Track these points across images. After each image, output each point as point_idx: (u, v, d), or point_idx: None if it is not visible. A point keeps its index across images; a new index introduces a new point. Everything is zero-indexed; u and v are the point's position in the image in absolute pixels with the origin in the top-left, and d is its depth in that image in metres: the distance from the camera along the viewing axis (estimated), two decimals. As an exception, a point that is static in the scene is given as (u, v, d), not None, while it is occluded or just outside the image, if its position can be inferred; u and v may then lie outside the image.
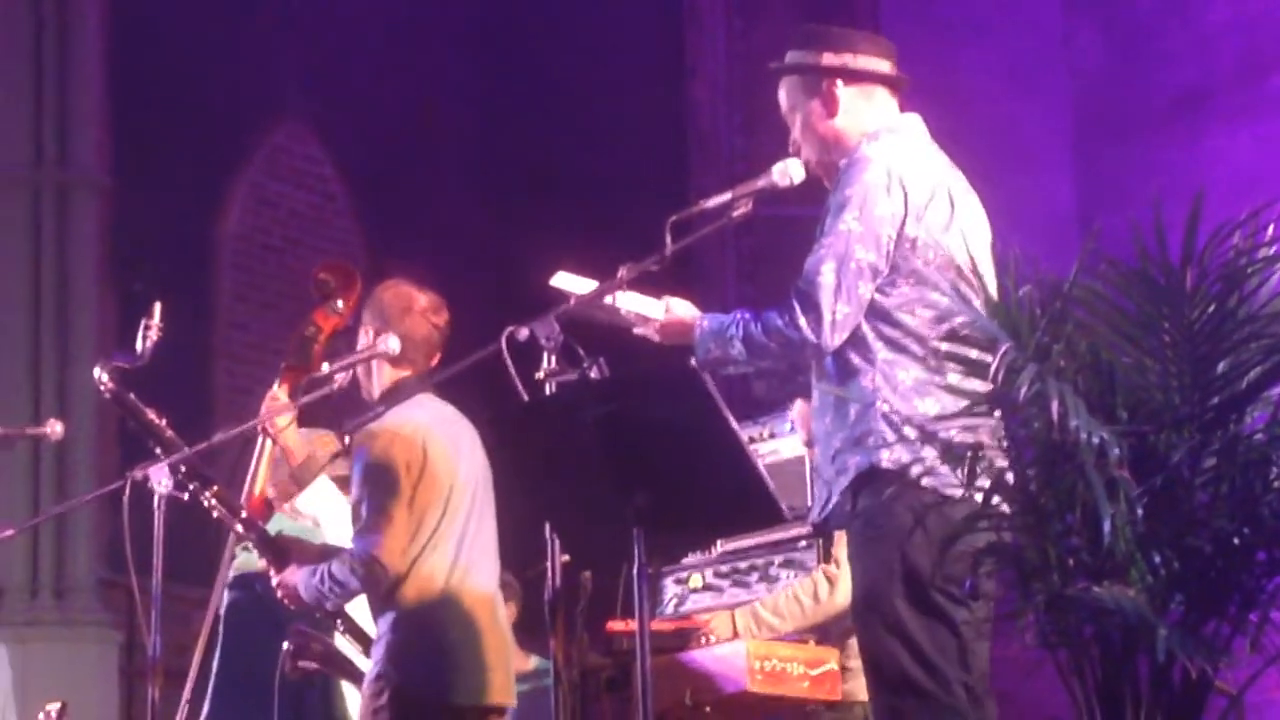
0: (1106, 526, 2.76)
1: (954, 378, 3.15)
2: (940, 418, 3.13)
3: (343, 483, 4.57)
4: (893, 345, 3.29)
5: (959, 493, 3.08)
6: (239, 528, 4.35)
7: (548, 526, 3.45)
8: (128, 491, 4.11)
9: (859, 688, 3.81)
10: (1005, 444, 3.01)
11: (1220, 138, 8.11)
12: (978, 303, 3.09)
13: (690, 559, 4.63)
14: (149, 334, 4.24)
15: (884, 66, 3.51)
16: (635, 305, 3.42)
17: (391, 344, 4.19)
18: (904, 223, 3.31)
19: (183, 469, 4.16)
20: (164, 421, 4.31)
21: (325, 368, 4.35)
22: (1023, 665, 2.97)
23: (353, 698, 4.70)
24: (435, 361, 4.29)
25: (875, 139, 3.42)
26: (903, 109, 3.52)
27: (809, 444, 4.50)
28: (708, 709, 4.28)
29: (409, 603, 4.09)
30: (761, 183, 3.44)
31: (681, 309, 3.45)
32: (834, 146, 3.46)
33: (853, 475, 3.29)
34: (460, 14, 10.28)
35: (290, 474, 4.51)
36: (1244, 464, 2.87)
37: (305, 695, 4.81)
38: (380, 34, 9.87)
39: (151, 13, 8.59)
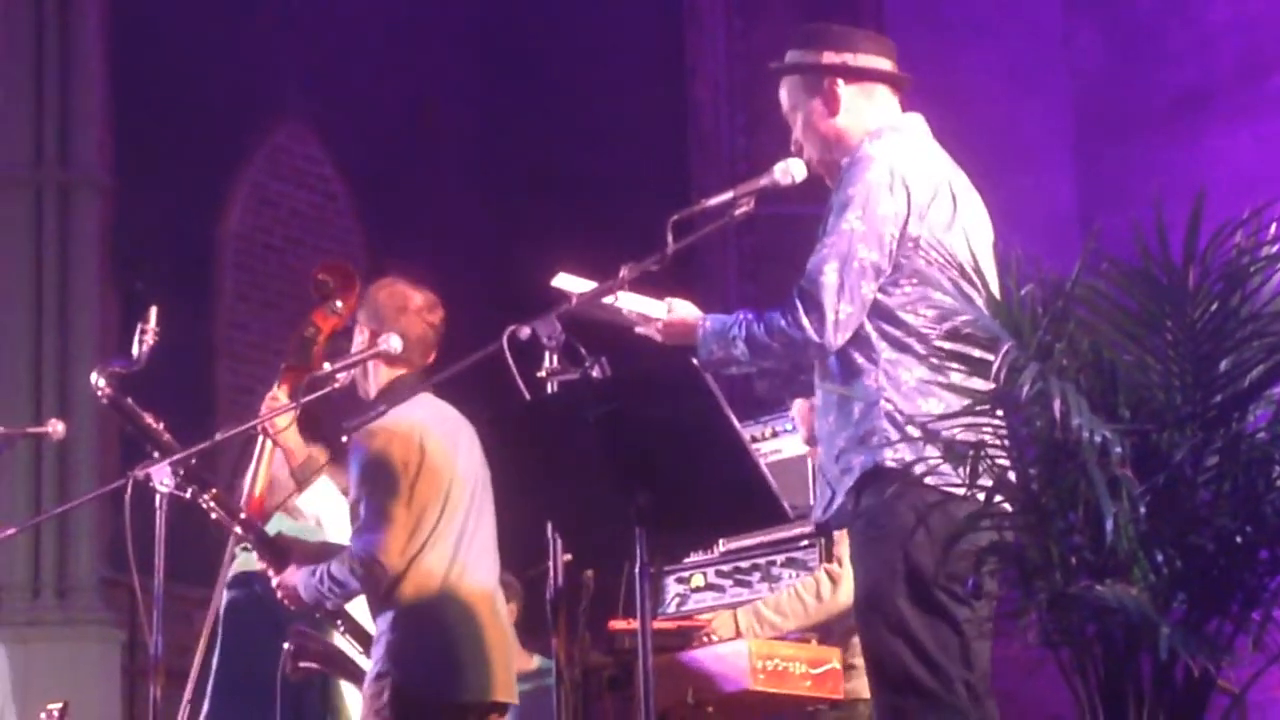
0: (1109, 525, 2.76)
1: (957, 377, 3.15)
2: (943, 416, 3.14)
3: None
4: (896, 344, 3.30)
5: (962, 491, 3.08)
6: (238, 530, 4.35)
7: (549, 526, 3.45)
8: (129, 491, 4.11)
9: (862, 685, 3.81)
10: (1007, 443, 3.01)
11: (1221, 137, 8.11)
12: (980, 302, 3.09)
13: (692, 558, 4.64)
14: (145, 338, 4.24)
15: (885, 65, 3.51)
16: (637, 305, 3.43)
17: (394, 343, 4.20)
18: (907, 222, 3.31)
19: (182, 471, 4.16)
20: (162, 426, 4.31)
21: (326, 367, 4.36)
22: (1025, 664, 2.97)
23: (353, 697, 4.71)
24: (431, 360, 4.29)
25: (878, 138, 3.42)
26: (904, 108, 3.52)
27: (809, 442, 4.50)
28: (710, 708, 4.28)
29: (408, 601, 4.10)
30: (763, 181, 3.44)
31: (684, 309, 3.45)
32: (835, 145, 3.47)
33: (857, 474, 3.29)
34: (460, 14, 10.28)
35: (291, 473, 4.52)
36: (1246, 462, 2.87)
37: (305, 695, 4.81)
38: (380, 34, 9.88)
39: (152, 12, 8.59)
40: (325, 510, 5.06)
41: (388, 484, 4.09)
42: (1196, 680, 2.83)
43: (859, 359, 3.31)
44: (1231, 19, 8.33)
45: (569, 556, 3.53)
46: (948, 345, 3.14)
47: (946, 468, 3.13)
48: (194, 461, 4.23)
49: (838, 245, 3.29)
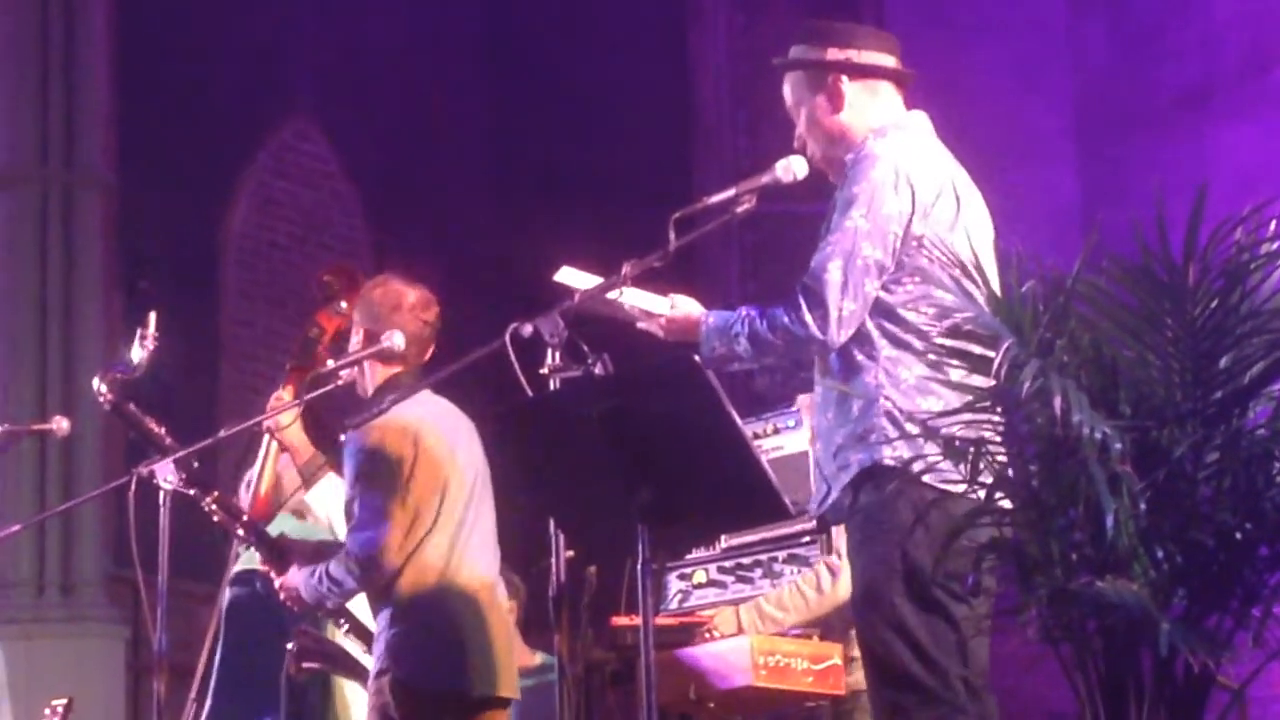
0: (1109, 521, 2.76)
1: (957, 374, 3.16)
2: (943, 413, 3.14)
3: None
4: (896, 342, 3.30)
5: (961, 488, 3.09)
6: (239, 532, 4.36)
7: (552, 522, 3.46)
8: (133, 487, 4.13)
9: (864, 678, 3.82)
10: (1006, 439, 3.01)
11: (1223, 134, 8.11)
12: (981, 299, 3.10)
13: (694, 554, 4.64)
14: (145, 344, 4.24)
15: (889, 61, 3.51)
16: (640, 302, 3.43)
17: (397, 340, 4.21)
18: (911, 220, 3.31)
19: (184, 473, 4.17)
20: (164, 429, 4.32)
21: (330, 364, 4.37)
22: (1025, 660, 2.98)
23: (357, 696, 4.72)
24: (427, 357, 4.30)
25: (883, 135, 3.42)
26: (907, 105, 3.53)
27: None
28: (711, 704, 4.28)
29: (406, 596, 4.10)
30: (765, 179, 3.44)
31: (686, 306, 3.45)
32: (839, 142, 3.47)
33: (855, 472, 3.30)
34: (465, 12, 10.29)
35: (298, 470, 4.54)
36: (1246, 459, 2.88)
37: (306, 693, 4.82)
38: (385, 32, 9.88)
39: (157, 12, 8.60)
40: (336, 510, 5.08)
41: (382, 481, 4.10)
42: (1197, 676, 2.84)
43: (859, 356, 3.32)
44: (1234, 16, 8.33)
45: (571, 553, 3.54)
46: (949, 342, 3.15)
47: (945, 465, 3.13)
48: (196, 464, 4.24)
49: (842, 243, 3.30)
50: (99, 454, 8.00)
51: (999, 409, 2.96)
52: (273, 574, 4.31)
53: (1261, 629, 2.87)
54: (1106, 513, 2.76)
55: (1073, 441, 2.80)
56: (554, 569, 3.48)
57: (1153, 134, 8.22)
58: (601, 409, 3.16)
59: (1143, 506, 2.82)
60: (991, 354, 2.93)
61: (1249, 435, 2.89)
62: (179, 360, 4.59)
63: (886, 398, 3.27)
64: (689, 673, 4.25)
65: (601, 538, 3.41)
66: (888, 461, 3.25)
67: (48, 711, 4.87)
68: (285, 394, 4.42)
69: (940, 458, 3.12)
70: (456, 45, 10.30)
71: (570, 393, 3.29)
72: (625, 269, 3.36)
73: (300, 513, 4.88)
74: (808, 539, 4.43)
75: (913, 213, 3.31)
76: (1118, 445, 2.78)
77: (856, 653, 4.12)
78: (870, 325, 3.31)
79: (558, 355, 3.34)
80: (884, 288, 3.31)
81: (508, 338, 3.30)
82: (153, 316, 4.28)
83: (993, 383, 2.92)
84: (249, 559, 4.81)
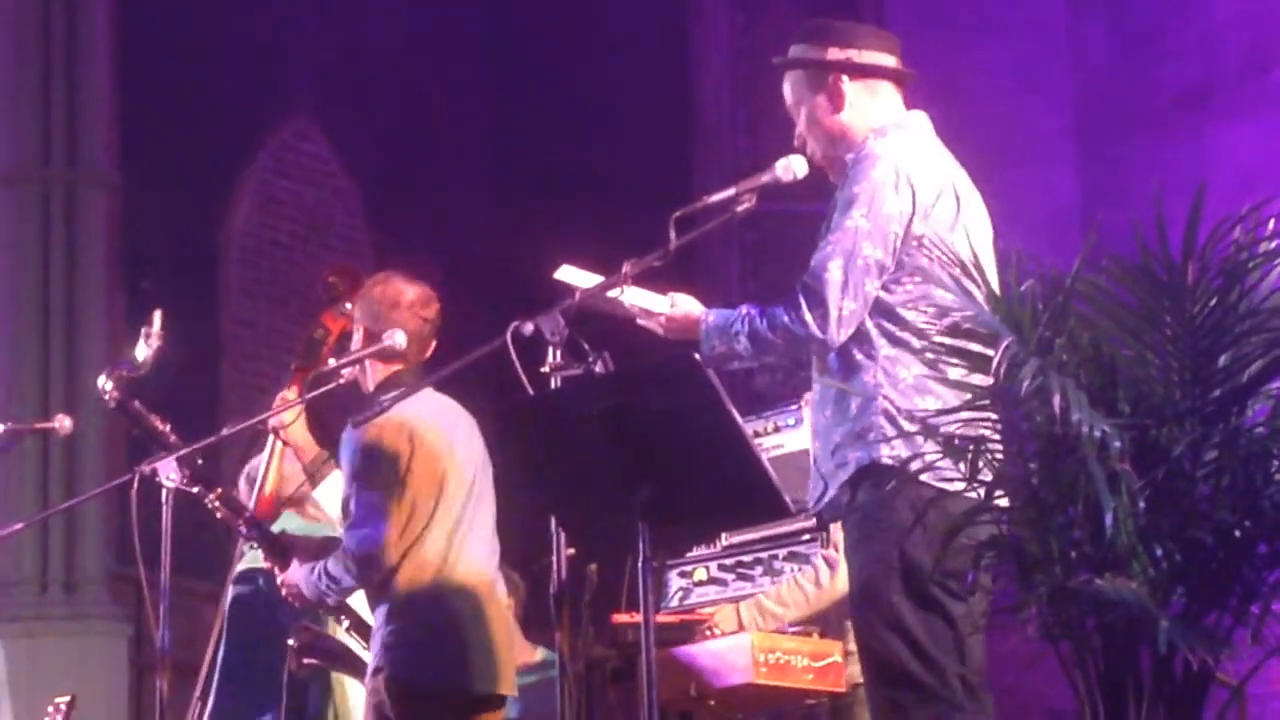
0: (1108, 519, 2.77)
1: (956, 373, 3.17)
2: (943, 411, 3.15)
3: None
4: (895, 341, 3.31)
5: (959, 487, 3.10)
6: (242, 528, 4.38)
7: (553, 520, 3.47)
8: (136, 485, 4.14)
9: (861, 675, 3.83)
10: (1005, 438, 3.02)
11: (1223, 134, 8.11)
12: (980, 298, 3.11)
13: (695, 552, 4.65)
14: (150, 342, 4.26)
15: (889, 61, 3.52)
16: (640, 301, 3.44)
17: (398, 339, 4.22)
18: (911, 220, 3.32)
19: (187, 471, 4.19)
20: (168, 427, 4.33)
21: (331, 363, 4.38)
22: (1025, 658, 2.99)
23: (358, 692, 4.73)
24: (428, 354, 4.31)
25: (883, 135, 3.43)
26: (907, 105, 3.53)
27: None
28: (712, 701, 4.29)
29: (402, 594, 4.11)
30: (765, 178, 3.44)
31: (686, 304, 3.46)
32: (840, 141, 3.48)
33: (852, 470, 3.31)
34: (465, 12, 10.30)
35: (304, 469, 4.56)
36: (1245, 457, 2.88)
37: (308, 690, 4.84)
38: (386, 31, 9.89)
39: (159, 11, 8.60)
40: (343, 507, 5.08)
41: (378, 478, 4.11)
42: (1196, 673, 2.85)
43: (858, 355, 3.32)
44: (1234, 16, 8.33)
45: (572, 550, 3.55)
46: (948, 340, 3.16)
47: (943, 463, 3.15)
48: (199, 461, 4.25)
49: (842, 242, 3.31)
50: (101, 452, 8.01)
51: (998, 407, 2.97)
52: (275, 570, 4.32)
53: (1260, 626, 2.88)
54: (1106, 511, 2.77)
55: (1072, 440, 2.81)
56: (555, 567, 3.49)
57: (1153, 134, 8.22)
58: (602, 407, 3.17)
59: (1142, 504, 2.83)
60: (991, 352, 2.94)
61: (1248, 433, 2.90)
62: (181, 359, 4.59)
63: (885, 396, 3.28)
64: (690, 670, 4.26)
65: (602, 535, 3.42)
66: (885, 460, 3.26)
67: (51, 709, 4.88)
68: (290, 394, 4.44)
69: (939, 456, 3.13)
70: (456, 45, 10.30)
71: (571, 391, 3.30)
72: (626, 268, 3.37)
73: (302, 506, 4.89)
74: (808, 537, 4.44)
75: (913, 212, 3.32)
76: (1117, 443, 2.79)
77: (854, 647, 4.14)
78: (869, 324, 3.32)
79: (558, 353, 3.35)
80: (884, 287, 3.32)
81: (509, 336, 3.31)
82: (158, 315, 4.29)
83: (992, 381, 2.93)
84: (253, 558, 4.83)
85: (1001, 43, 8.85)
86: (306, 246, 9.56)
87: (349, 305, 4.46)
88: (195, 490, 4.25)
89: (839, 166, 3.46)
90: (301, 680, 4.64)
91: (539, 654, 5.81)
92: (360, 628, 4.39)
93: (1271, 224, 2.93)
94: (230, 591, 4.93)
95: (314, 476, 4.55)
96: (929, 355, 3.23)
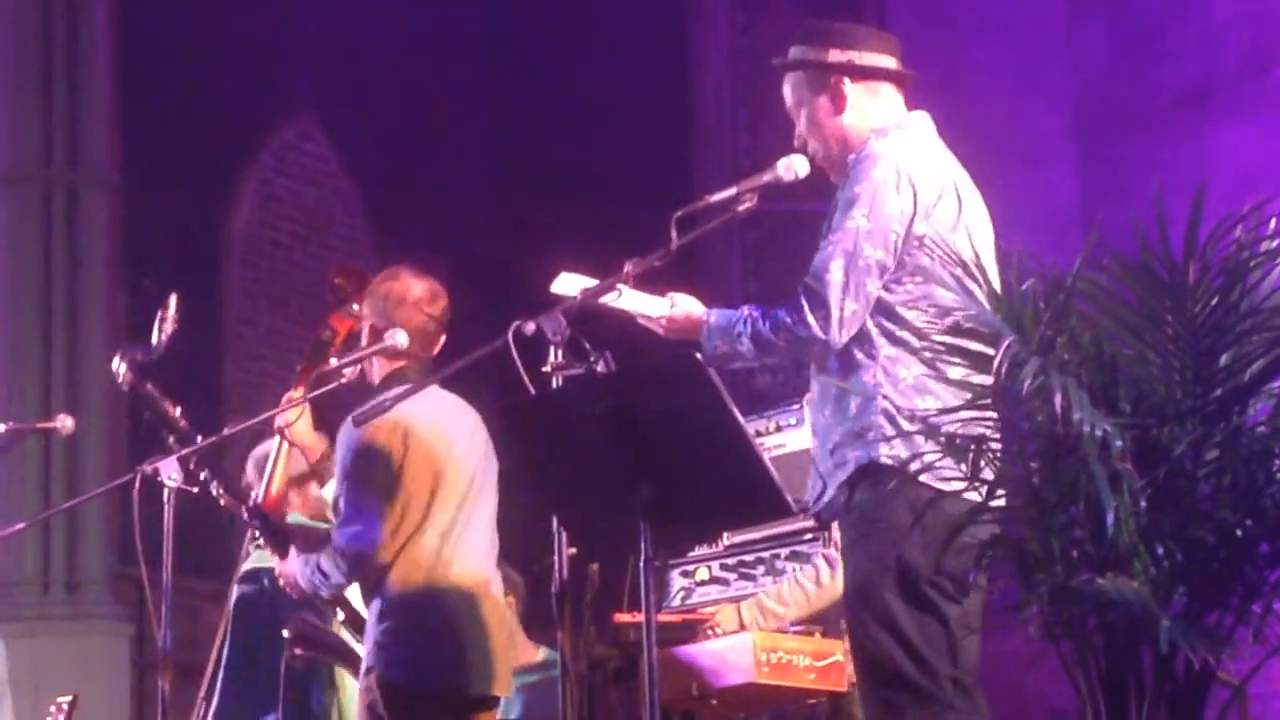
0: (1110, 518, 2.78)
1: (957, 372, 3.17)
2: (945, 411, 3.15)
3: None
4: (895, 341, 3.31)
5: (957, 487, 3.10)
6: (244, 514, 4.38)
7: (554, 520, 3.48)
8: (138, 485, 4.14)
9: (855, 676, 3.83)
10: (1006, 437, 3.02)
11: (1223, 134, 8.12)
12: (981, 297, 3.11)
13: (696, 552, 4.65)
14: (165, 326, 4.28)
15: (890, 63, 3.52)
16: (637, 305, 3.44)
17: (400, 339, 4.21)
18: (912, 221, 3.32)
19: (193, 460, 4.20)
20: (179, 411, 4.35)
21: (334, 363, 4.39)
22: (1026, 657, 2.99)
23: (354, 687, 4.73)
24: (435, 350, 4.31)
25: (884, 136, 3.43)
26: (908, 105, 3.54)
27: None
28: (714, 701, 4.29)
29: (394, 592, 4.10)
30: (766, 178, 3.44)
31: (687, 304, 3.47)
32: (841, 142, 3.48)
33: (851, 469, 3.31)
34: (465, 13, 10.30)
35: (311, 468, 4.56)
36: (1246, 456, 2.89)
37: (310, 683, 4.84)
38: (387, 31, 9.89)
39: (160, 11, 8.61)
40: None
41: (369, 476, 4.10)
42: (1197, 672, 2.85)
43: (858, 354, 3.33)
44: (1234, 16, 8.34)
45: (574, 550, 3.55)
46: (949, 340, 3.16)
47: (941, 464, 3.15)
48: (201, 445, 4.27)
49: (843, 243, 3.31)
50: (103, 452, 8.02)
51: (999, 407, 2.97)
52: (275, 559, 4.33)
53: (1262, 625, 2.88)
54: (1107, 510, 2.77)
55: (1073, 439, 2.82)
56: (557, 566, 3.49)
57: (1153, 134, 8.22)
58: (604, 407, 3.17)
59: (1143, 504, 2.84)
60: (992, 352, 2.94)
61: (1249, 432, 2.91)
62: (183, 359, 4.59)
63: (885, 396, 3.29)
64: (691, 670, 4.26)
65: (604, 535, 3.42)
66: (884, 460, 3.27)
67: (53, 709, 4.88)
68: (296, 395, 4.44)
69: (938, 456, 3.14)
70: (456, 45, 10.30)
71: (572, 391, 3.30)
72: (627, 268, 3.37)
73: (308, 499, 4.89)
74: (810, 536, 4.44)
75: (914, 213, 3.32)
76: (1118, 443, 2.80)
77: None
78: (870, 324, 3.32)
79: (560, 353, 3.35)
80: (885, 287, 3.32)
81: (510, 336, 3.31)
82: (174, 298, 4.31)
83: (993, 380, 2.93)
84: (259, 557, 4.83)
85: (1001, 43, 8.86)
86: (307, 246, 9.56)
87: (355, 306, 4.46)
88: (203, 477, 4.27)
89: (840, 167, 3.47)
90: (298, 671, 4.64)
91: (541, 654, 5.81)
92: (355, 622, 4.39)
93: (1272, 223, 2.94)
94: (235, 591, 4.94)
95: (321, 476, 4.55)
96: (927, 355, 3.23)
